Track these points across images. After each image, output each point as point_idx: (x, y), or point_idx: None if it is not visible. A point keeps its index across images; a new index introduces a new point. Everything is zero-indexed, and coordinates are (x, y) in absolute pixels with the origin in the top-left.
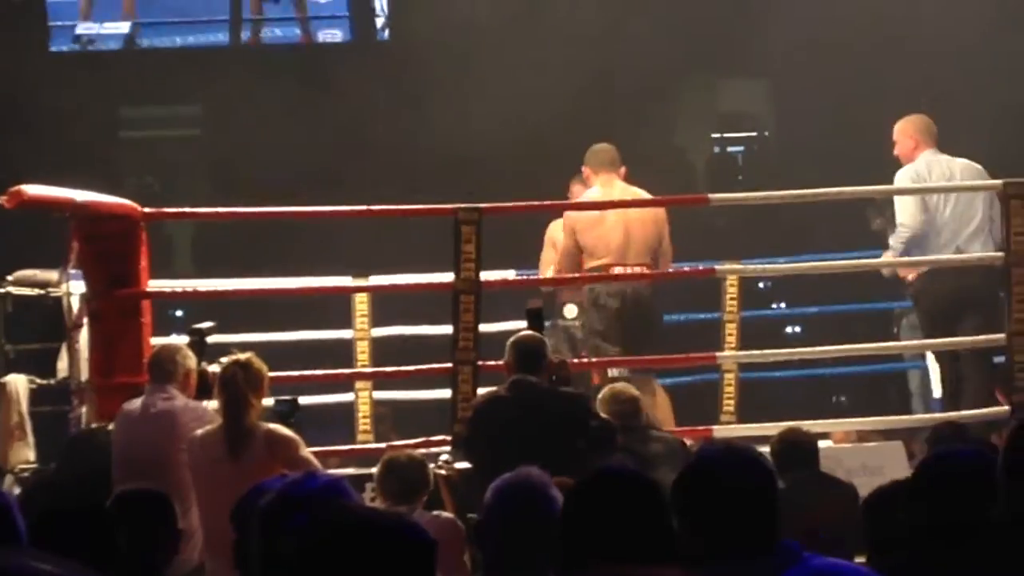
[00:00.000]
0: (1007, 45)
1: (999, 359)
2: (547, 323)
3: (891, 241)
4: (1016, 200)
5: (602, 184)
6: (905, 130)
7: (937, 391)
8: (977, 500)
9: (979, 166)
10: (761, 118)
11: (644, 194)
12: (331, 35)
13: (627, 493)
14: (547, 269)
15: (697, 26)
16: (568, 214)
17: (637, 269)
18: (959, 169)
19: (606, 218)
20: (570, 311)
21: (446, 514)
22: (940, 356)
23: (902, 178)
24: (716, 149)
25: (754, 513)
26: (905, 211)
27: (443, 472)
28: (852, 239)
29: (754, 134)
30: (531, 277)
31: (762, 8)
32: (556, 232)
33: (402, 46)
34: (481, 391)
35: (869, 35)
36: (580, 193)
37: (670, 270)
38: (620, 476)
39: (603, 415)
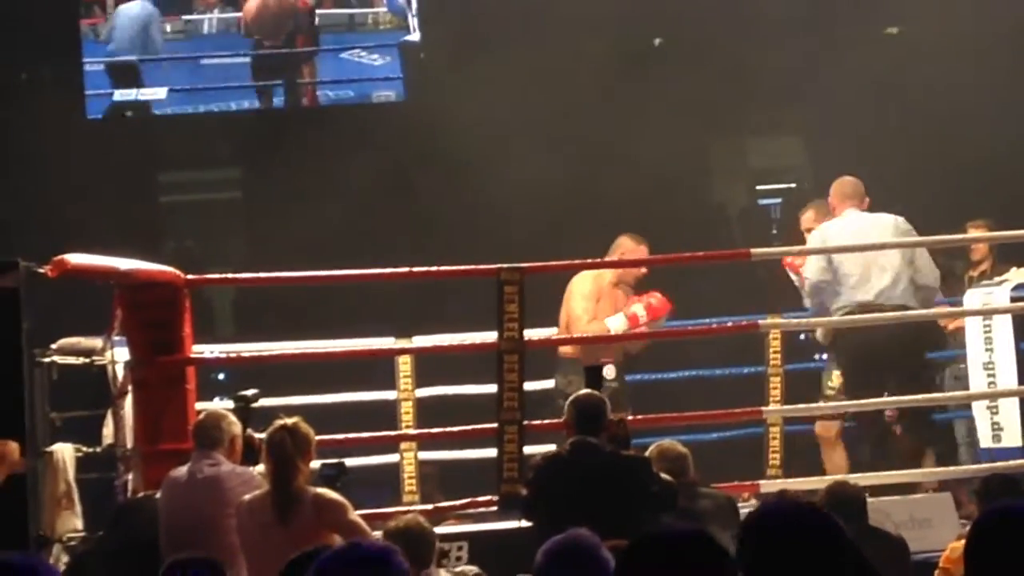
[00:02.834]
0: None
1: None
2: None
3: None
4: None
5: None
6: (830, 192)
7: (984, 441)
8: None
9: (896, 221)
10: (798, 170)
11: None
12: (385, 96)
13: (682, 552)
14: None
15: (727, 87)
16: None
17: None
18: (870, 225)
19: None
20: (609, 372)
21: (471, 568)
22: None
23: (811, 238)
24: (755, 202)
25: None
26: (809, 266)
27: None
28: None
29: (792, 186)
30: (573, 336)
31: (790, 67)
32: (582, 285)
33: (443, 108)
34: (528, 449)
35: (900, 88)
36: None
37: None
38: (675, 535)
39: (663, 476)
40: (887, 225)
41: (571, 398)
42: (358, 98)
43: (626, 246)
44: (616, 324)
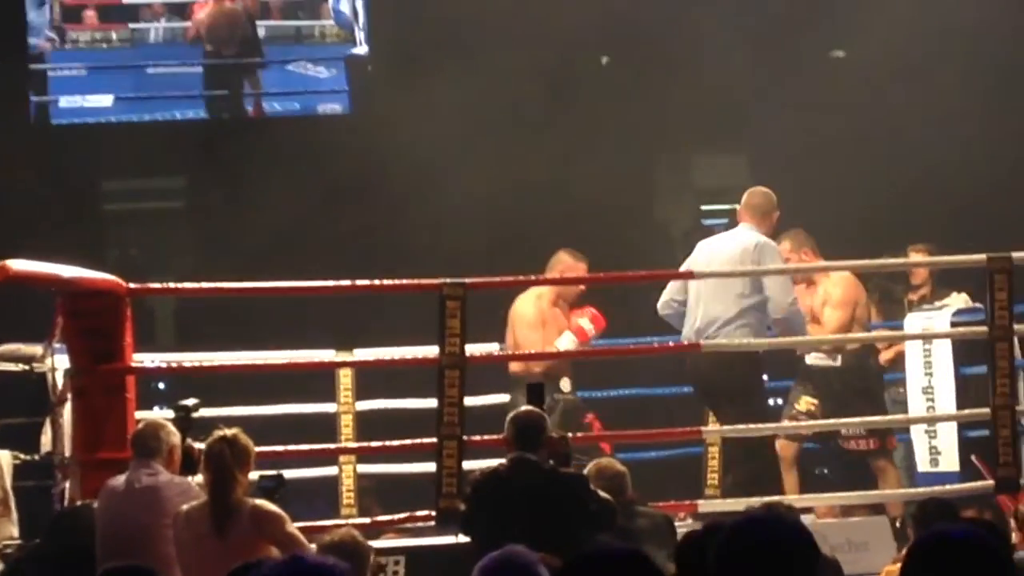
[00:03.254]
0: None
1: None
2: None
3: None
4: (999, 274)
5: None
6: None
7: (922, 465)
8: None
9: (746, 249)
10: (742, 190)
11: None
12: (331, 109)
13: (617, 571)
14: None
15: (672, 106)
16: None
17: None
18: (720, 252)
19: None
20: (565, 384)
21: None
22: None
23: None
24: (700, 221)
25: None
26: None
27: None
28: None
29: (736, 206)
30: (516, 352)
31: (735, 87)
32: (524, 312)
33: (389, 122)
34: (467, 464)
35: (845, 110)
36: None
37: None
38: (610, 554)
39: (601, 494)
40: (735, 254)
41: (510, 415)
42: (304, 110)
43: (565, 262)
44: (566, 344)
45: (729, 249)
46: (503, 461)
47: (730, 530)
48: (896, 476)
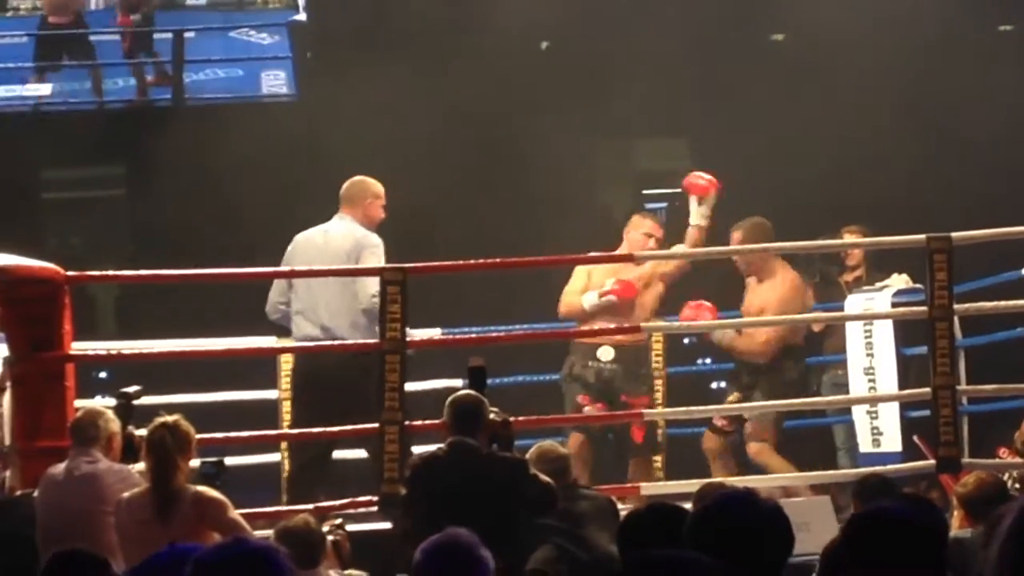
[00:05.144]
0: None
1: None
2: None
3: None
4: (939, 254)
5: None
6: None
7: (864, 446)
8: (913, 556)
9: (355, 238)
10: (684, 173)
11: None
12: (275, 76)
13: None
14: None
15: (613, 89)
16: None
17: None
18: (329, 242)
19: None
20: (606, 353)
21: (358, 573)
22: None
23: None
24: (642, 205)
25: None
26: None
27: (332, 537)
28: None
29: (678, 190)
30: (457, 336)
31: (675, 70)
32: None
33: (333, 105)
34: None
35: (784, 93)
36: None
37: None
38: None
39: (543, 477)
40: (341, 249)
41: (449, 398)
42: (247, 77)
43: (634, 222)
44: (589, 299)
45: (336, 244)
46: (441, 445)
47: (705, 508)
48: (778, 458)
